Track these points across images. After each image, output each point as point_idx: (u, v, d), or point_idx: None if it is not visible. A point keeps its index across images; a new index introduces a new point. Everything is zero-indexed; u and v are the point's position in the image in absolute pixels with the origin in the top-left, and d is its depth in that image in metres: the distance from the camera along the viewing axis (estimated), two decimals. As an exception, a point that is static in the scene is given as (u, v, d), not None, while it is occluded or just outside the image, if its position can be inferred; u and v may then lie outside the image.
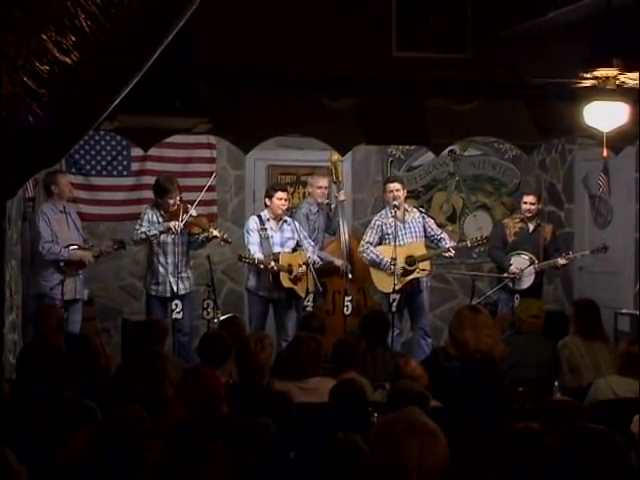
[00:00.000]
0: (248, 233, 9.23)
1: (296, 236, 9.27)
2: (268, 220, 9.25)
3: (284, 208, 9.27)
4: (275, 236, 9.23)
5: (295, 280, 9.13)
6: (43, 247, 8.60)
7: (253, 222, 9.26)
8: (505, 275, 9.32)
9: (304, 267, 9.09)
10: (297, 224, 9.38)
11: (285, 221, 9.31)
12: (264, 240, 9.16)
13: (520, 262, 9.38)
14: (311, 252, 9.25)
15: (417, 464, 2.83)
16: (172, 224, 8.86)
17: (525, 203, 9.60)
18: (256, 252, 9.08)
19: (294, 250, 9.24)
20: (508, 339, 7.14)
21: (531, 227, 9.59)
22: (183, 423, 4.34)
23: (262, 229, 9.20)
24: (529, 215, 9.57)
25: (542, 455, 2.89)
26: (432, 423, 2.98)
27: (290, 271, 9.09)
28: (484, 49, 7.00)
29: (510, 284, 9.30)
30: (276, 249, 9.17)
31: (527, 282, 9.32)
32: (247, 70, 6.73)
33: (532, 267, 9.31)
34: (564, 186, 10.86)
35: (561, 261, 9.38)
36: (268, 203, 9.30)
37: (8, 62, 3.45)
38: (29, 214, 8.86)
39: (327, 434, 3.61)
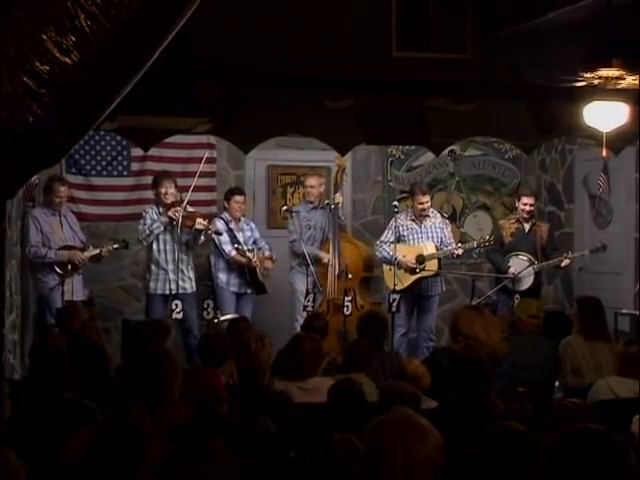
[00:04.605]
0: (218, 234, 9.33)
1: (255, 235, 9.61)
2: (230, 221, 9.48)
3: (240, 212, 9.55)
4: (238, 235, 9.45)
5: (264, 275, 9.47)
6: (29, 251, 8.78)
7: (220, 223, 9.47)
8: (505, 275, 9.32)
9: (269, 262, 9.44)
10: (253, 224, 9.72)
11: (244, 221, 9.62)
12: (232, 239, 9.36)
13: (519, 264, 9.36)
14: (268, 250, 9.55)
15: (403, 464, 2.84)
16: (171, 212, 9.06)
17: (525, 204, 9.59)
18: (231, 251, 9.28)
19: (258, 248, 9.54)
20: (508, 339, 7.14)
21: (527, 227, 9.58)
22: (183, 423, 4.34)
23: (229, 229, 9.40)
24: (526, 216, 9.57)
25: (542, 455, 2.89)
26: (423, 422, 2.98)
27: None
28: (484, 49, 7.00)
29: (510, 285, 9.29)
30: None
31: (527, 283, 9.31)
32: (247, 70, 6.72)
33: (531, 268, 9.30)
34: (564, 186, 10.85)
35: (564, 262, 9.38)
36: (226, 206, 9.55)
37: (8, 62, 3.45)
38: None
39: (323, 435, 3.62)
